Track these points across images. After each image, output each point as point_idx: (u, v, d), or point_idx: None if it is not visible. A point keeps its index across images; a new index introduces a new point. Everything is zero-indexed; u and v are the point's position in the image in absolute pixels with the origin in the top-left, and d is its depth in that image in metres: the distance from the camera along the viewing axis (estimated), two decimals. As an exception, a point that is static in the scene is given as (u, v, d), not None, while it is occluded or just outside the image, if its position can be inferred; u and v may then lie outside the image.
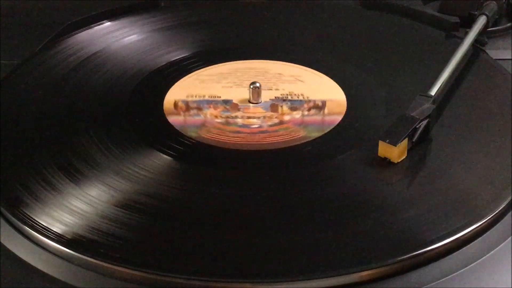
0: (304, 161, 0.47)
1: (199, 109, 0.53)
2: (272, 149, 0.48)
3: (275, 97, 0.55)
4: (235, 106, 0.54)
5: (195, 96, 0.55)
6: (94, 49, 0.61)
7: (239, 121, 0.52)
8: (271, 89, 0.56)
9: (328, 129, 0.50)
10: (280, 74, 0.58)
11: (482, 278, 0.38)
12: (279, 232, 0.40)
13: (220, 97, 0.55)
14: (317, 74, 0.58)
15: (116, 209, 0.42)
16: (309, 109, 0.53)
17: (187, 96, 0.55)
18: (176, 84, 0.56)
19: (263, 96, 0.54)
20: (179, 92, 0.55)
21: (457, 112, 0.51)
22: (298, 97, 0.55)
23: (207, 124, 0.51)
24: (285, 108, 0.54)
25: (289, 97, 0.55)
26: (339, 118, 0.52)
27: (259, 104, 0.54)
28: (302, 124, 0.52)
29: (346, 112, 0.52)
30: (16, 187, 0.44)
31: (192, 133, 0.50)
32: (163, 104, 0.54)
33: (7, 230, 0.41)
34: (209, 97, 0.55)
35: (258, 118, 0.52)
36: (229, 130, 0.51)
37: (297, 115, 0.53)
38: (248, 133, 0.51)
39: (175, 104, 0.53)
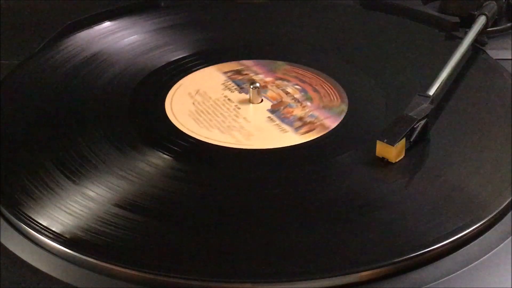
0: (304, 161, 0.47)
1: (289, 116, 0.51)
2: (272, 148, 0.48)
3: (240, 88, 0.55)
4: (277, 105, 0.53)
5: (260, 136, 0.50)
6: (94, 49, 0.61)
7: (309, 104, 0.53)
8: (227, 116, 0.52)
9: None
10: (190, 92, 0.55)
11: (482, 278, 0.38)
12: (279, 232, 0.40)
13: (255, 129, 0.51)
14: (188, 77, 0.57)
15: (116, 209, 0.42)
16: (245, 75, 0.56)
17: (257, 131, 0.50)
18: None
19: (226, 121, 0.51)
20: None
21: (457, 112, 0.51)
22: (236, 81, 0.56)
23: (315, 115, 0.51)
24: (261, 82, 0.55)
25: (232, 87, 0.55)
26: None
27: (266, 98, 0.54)
28: (280, 79, 0.56)
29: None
30: (16, 187, 0.44)
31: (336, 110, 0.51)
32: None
33: (7, 230, 0.41)
34: (259, 131, 0.50)
35: (295, 94, 0.54)
36: (330, 103, 0.52)
37: (267, 78, 0.56)
38: (326, 91, 0.53)
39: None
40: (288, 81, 0.56)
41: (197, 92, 0.55)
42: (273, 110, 0.53)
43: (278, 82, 0.56)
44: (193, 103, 0.53)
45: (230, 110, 0.53)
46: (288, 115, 0.51)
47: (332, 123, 0.50)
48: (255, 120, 0.52)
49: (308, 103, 0.53)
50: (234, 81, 0.56)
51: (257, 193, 0.44)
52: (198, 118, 0.51)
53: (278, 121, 0.51)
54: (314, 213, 0.42)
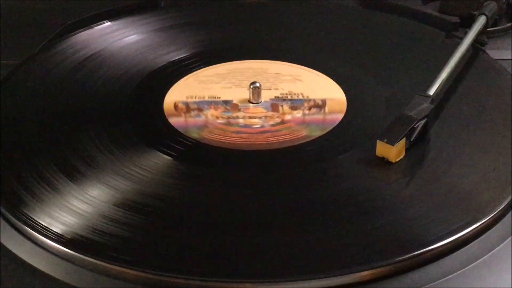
0: (303, 161, 0.47)
1: (200, 110, 0.53)
2: (271, 149, 0.48)
3: (275, 97, 0.55)
4: (235, 107, 0.54)
5: (195, 97, 0.55)
6: (94, 49, 0.61)
7: (241, 121, 0.52)
8: (270, 89, 0.56)
9: (329, 129, 0.50)
10: (278, 73, 0.58)
11: (482, 278, 0.38)
12: (279, 232, 0.40)
13: (220, 97, 0.55)
14: (316, 73, 0.58)
15: (116, 209, 0.42)
16: (309, 108, 0.53)
17: (187, 97, 0.54)
18: (176, 84, 0.56)
19: (263, 96, 0.54)
20: (179, 93, 0.55)
21: (457, 111, 0.51)
22: (298, 96, 0.55)
23: (209, 125, 0.51)
24: (286, 107, 0.54)
25: (289, 97, 0.55)
26: (340, 116, 0.52)
27: (259, 104, 0.54)
28: (304, 123, 0.52)
29: (346, 112, 0.52)
30: (16, 187, 0.44)
31: (194, 134, 0.50)
32: (163, 104, 0.54)
33: (7, 230, 0.41)
34: (209, 98, 0.55)
35: (260, 118, 0.52)
36: (231, 130, 0.51)
37: (298, 114, 0.53)
38: (251, 133, 0.51)
39: (175, 106, 0.53)
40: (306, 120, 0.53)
41: (291, 77, 0.58)
42: (225, 101, 0.54)
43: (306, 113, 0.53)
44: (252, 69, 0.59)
45: (230, 84, 0.57)
46: (209, 110, 0.53)
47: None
48: (208, 85, 0.56)
49: (240, 125, 0.51)
50: (298, 99, 0.55)
51: (257, 193, 0.44)
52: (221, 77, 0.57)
53: (197, 102, 0.54)
54: (314, 213, 0.42)
